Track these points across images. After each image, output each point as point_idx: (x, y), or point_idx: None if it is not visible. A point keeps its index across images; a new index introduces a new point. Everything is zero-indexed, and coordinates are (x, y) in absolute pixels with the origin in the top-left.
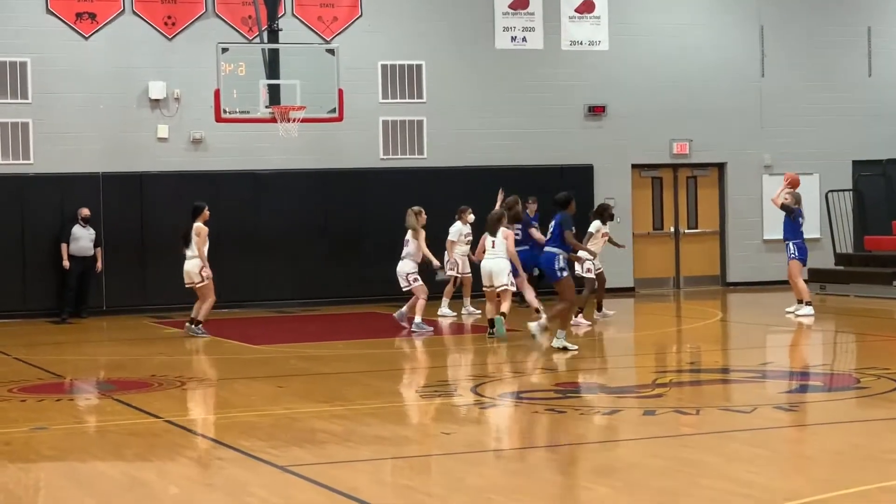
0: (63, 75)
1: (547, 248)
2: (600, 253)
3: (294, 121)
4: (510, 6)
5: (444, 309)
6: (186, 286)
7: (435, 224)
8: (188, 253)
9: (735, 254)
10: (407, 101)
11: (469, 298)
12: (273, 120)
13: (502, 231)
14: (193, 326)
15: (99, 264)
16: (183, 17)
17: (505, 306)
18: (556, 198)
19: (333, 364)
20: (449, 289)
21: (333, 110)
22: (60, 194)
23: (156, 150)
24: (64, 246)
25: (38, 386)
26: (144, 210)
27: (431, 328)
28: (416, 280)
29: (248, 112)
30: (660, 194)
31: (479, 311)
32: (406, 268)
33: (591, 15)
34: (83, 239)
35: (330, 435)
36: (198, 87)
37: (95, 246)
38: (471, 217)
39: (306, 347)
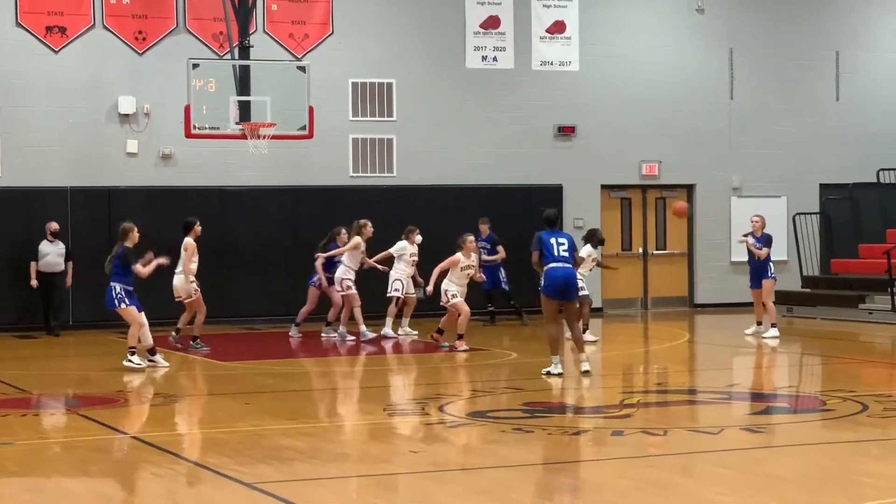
0: (32, 88)
1: (565, 265)
2: (587, 277)
3: (264, 137)
4: (481, 25)
5: (386, 329)
6: (176, 301)
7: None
8: (177, 269)
9: (703, 275)
10: (377, 119)
11: (409, 319)
12: (243, 136)
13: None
14: (192, 342)
15: (69, 279)
16: (154, 32)
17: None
18: (551, 217)
19: (301, 381)
20: (392, 308)
21: (304, 127)
22: (28, 208)
23: (125, 165)
24: (33, 264)
25: (2, 401)
26: (113, 225)
27: (353, 339)
28: (349, 287)
29: (219, 128)
30: (629, 215)
31: (416, 333)
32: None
33: (561, 35)
34: (52, 254)
35: (297, 452)
36: (168, 102)
37: (67, 260)
38: (418, 238)
39: (274, 364)
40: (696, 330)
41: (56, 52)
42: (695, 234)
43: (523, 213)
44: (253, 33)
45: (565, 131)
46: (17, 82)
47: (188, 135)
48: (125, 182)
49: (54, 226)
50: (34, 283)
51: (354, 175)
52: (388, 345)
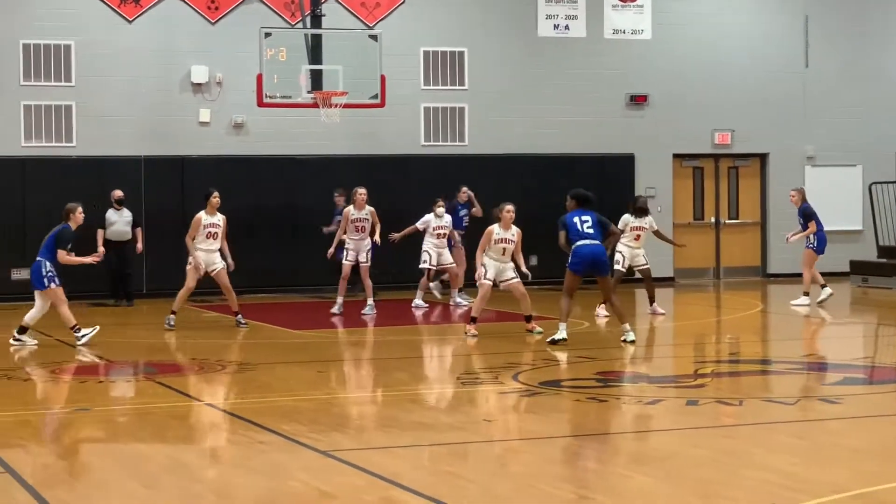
0: (106, 58)
1: (593, 242)
2: (641, 247)
3: (336, 106)
4: None
5: (417, 300)
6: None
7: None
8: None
9: (776, 244)
10: (449, 87)
11: (457, 290)
12: (315, 105)
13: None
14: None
15: (139, 245)
16: (226, 1)
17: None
18: (584, 195)
19: (373, 350)
20: (423, 281)
21: (375, 96)
22: (102, 177)
23: (197, 134)
24: (100, 231)
25: (80, 367)
26: (185, 194)
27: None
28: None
29: (290, 97)
30: (700, 184)
31: (468, 302)
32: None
33: (634, 4)
34: (119, 223)
35: (370, 420)
36: (240, 71)
37: (134, 227)
38: (440, 210)
39: (346, 333)
40: (769, 299)
41: (130, 22)
42: (768, 204)
43: (595, 182)
44: (325, 2)
45: (637, 100)
46: (92, 52)
47: (260, 104)
48: (197, 151)
49: (118, 193)
50: (101, 250)
51: (426, 144)
52: (452, 313)
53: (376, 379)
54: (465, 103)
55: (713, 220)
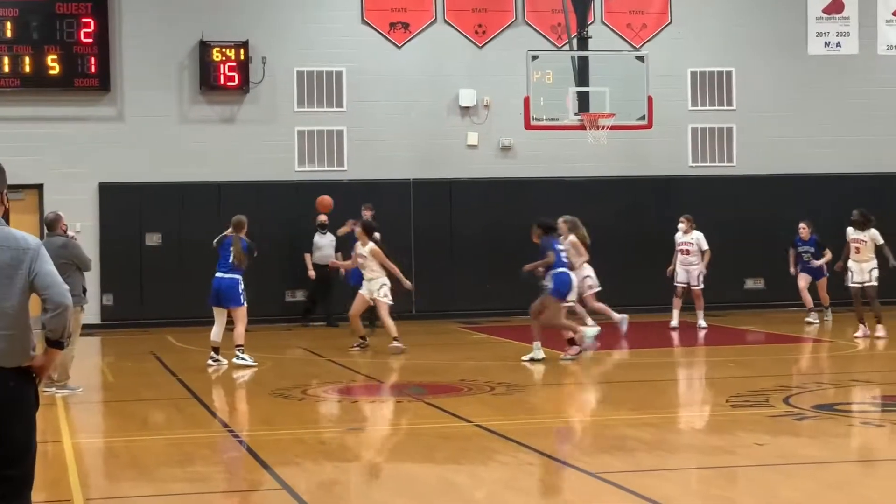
0: (376, 83)
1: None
2: (866, 261)
3: (603, 128)
4: (824, 10)
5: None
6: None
7: (750, 230)
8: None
9: None
10: (716, 108)
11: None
12: (581, 127)
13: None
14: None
15: (341, 269)
16: (493, 25)
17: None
18: (551, 224)
19: (643, 371)
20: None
21: (642, 117)
22: (372, 200)
23: (465, 157)
24: (307, 256)
25: (351, 388)
26: (454, 216)
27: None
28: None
29: (557, 119)
30: None
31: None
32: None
33: None
34: (325, 247)
35: (640, 442)
36: (507, 94)
37: (336, 251)
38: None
39: (615, 354)
40: None
41: (399, 48)
42: None
43: (874, 202)
44: (591, 24)
45: None
46: (362, 77)
47: (527, 126)
48: (465, 174)
49: (323, 218)
50: (311, 273)
51: (694, 165)
52: (711, 335)
53: (643, 400)
54: (733, 123)
55: None
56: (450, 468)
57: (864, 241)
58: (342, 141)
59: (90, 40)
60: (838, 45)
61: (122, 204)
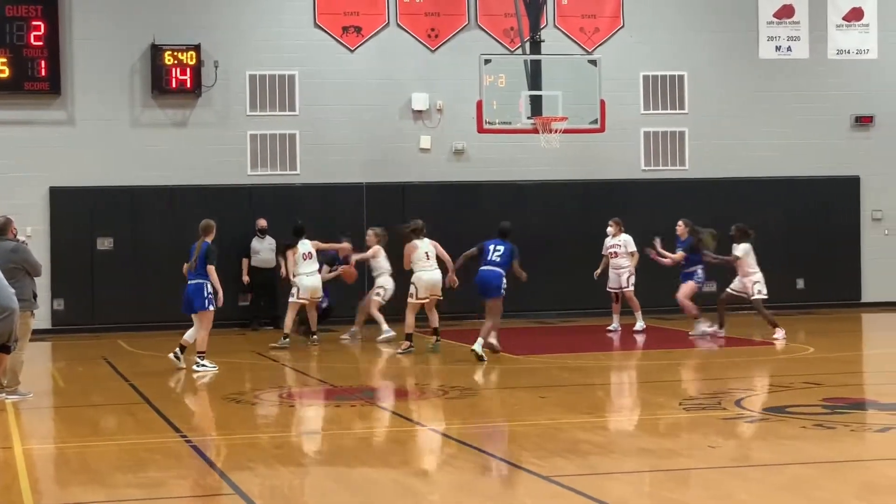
0: (329, 87)
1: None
2: (746, 277)
3: (556, 131)
4: (775, 15)
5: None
6: (311, 299)
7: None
8: (309, 270)
9: None
10: (669, 111)
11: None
12: (534, 131)
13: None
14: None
15: (283, 272)
16: (446, 29)
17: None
18: (503, 228)
19: (595, 375)
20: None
21: (595, 121)
22: (325, 204)
23: (418, 161)
24: (245, 261)
25: (305, 392)
26: (406, 220)
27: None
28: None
29: (510, 123)
30: None
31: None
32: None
33: (859, 23)
34: (263, 251)
35: (593, 445)
36: (460, 98)
37: (277, 254)
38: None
39: (568, 358)
40: None
41: (352, 52)
42: None
43: (818, 204)
44: (543, 28)
45: (863, 121)
46: (315, 81)
47: (480, 130)
48: (418, 177)
49: (262, 223)
50: (246, 278)
51: (646, 168)
52: (671, 339)
53: (596, 404)
54: (685, 127)
55: None
56: (404, 472)
57: (737, 256)
58: (295, 145)
59: (40, 43)
60: (789, 49)
61: (73, 208)
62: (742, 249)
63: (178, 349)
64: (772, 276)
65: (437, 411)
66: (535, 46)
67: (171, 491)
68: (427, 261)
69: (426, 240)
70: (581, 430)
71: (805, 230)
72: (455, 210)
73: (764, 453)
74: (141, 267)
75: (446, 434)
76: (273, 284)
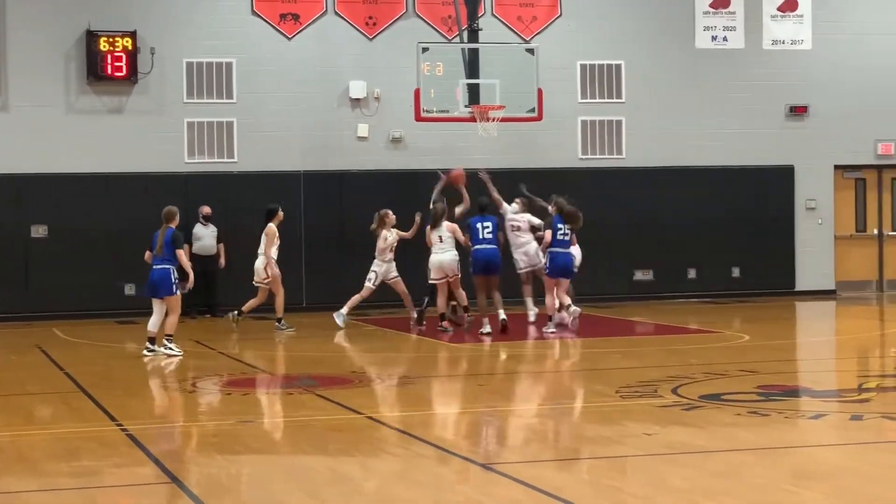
0: (266, 75)
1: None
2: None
3: (493, 120)
4: (711, 5)
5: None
6: (254, 283)
7: (639, 222)
8: (259, 251)
9: None
10: (606, 100)
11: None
12: (472, 119)
13: (447, 225)
14: (277, 324)
15: (222, 260)
16: (384, 17)
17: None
18: (482, 203)
19: (532, 363)
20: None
21: (532, 110)
22: (263, 192)
23: (356, 149)
24: (186, 247)
25: (242, 380)
26: (344, 208)
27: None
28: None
29: (448, 111)
30: (863, 196)
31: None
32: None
33: (793, 13)
34: (205, 237)
35: (531, 433)
36: (397, 86)
37: (218, 242)
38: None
39: (504, 346)
40: None
41: (289, 39)
42: None
43: (754, 194)
44: (481, 16)
45: (797, 111)
46: (253, 69)
47: (418, 118)
48: (356, 166)
49: (206, 209)
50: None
51: (583, 157)
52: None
53: (534, 392)
54: (622, 116)
55: (876, 231)
56: (341, 460)
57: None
58: (232, 132)
59: None
60: (725, 39)
61: (6, 195)
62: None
63: (147, 343)
64: (708, 264)
65: (375, 399)
66: (473, 35)
67: (106, 480)
68: (441, 243)
69: (444, 223)
70: (519, 418)
71: (740, 219)
72: (393, 198)
73: (699, 440)
74: (76, 255)
75: (384, 422)
76: (213, 272)
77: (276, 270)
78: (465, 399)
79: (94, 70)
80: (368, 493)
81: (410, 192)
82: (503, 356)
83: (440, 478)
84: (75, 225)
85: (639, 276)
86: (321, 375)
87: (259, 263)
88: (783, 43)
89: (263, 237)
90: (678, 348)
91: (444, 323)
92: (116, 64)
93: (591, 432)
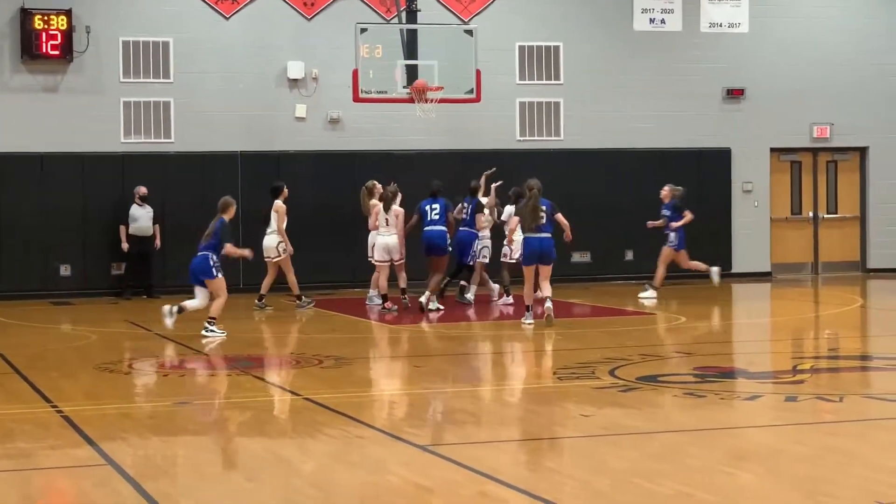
0: (204, 55)
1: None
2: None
3: (431, 101)
4: None
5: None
6: (265, 260)
7: (577, 204)
8: (268, 229)
9: (876, 239)
10: (544, 82)
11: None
12: (410, 100)
13: (394, 209)
14: (298, 301)
15: (157, 242)
16: None
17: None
18: (433, 186)
19: (470, 344)
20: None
21: (471, 91)
22: (200, 172)
23: (294, 130)
24: (122, 227)
25: (179, 361)
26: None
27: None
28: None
29: (386, 92)
30: (798, 179)
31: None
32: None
33: None
34: (142, 219)
35: (469, 415)
36: (335, 67)
37: (154, 223)
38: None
39: (442, 328)
40: (870, 295)
41: (227, 19)
42: (868, 198)
43: (692, 176)
44: None
45: (734, 94)
46: (190, 48)
47: (356, 99)
48: (294, 146)
49: (143, 190)
50: (125, 245)
51: (521, 139)
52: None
53: (473, 374)
54: (560, 98)
55: (811, 214)
56: (279, 442)
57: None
58: (169, 112)
59: None
60: (663, 21)
61: None
62: (507, 212)
63: (175, 307)
64: (645, 246)
65: (312, 380)
66: (412, 16)
67: (41, 462)
68: (387, 226)
69: (393, 207)
70: (456, 399)
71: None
72: (330, 179)
73: (637, 421)
74: (9, 234)
75: (322, 403)
76: (149, 253)
77: (290, 248)
78: (401, 381)
79: (29, 49)
80: (306, 474)
81: (349, 174)
82: (444, 338)
83: (378, 459)
84: (10, 204)
85: (576, 257)
86: (259, 357)
87: (269, 241)
88: (720, 26)
89: (274, 214)
90: (615, 330)
91: (387, 304)
92: (51, 43)
93: (529, 413)
